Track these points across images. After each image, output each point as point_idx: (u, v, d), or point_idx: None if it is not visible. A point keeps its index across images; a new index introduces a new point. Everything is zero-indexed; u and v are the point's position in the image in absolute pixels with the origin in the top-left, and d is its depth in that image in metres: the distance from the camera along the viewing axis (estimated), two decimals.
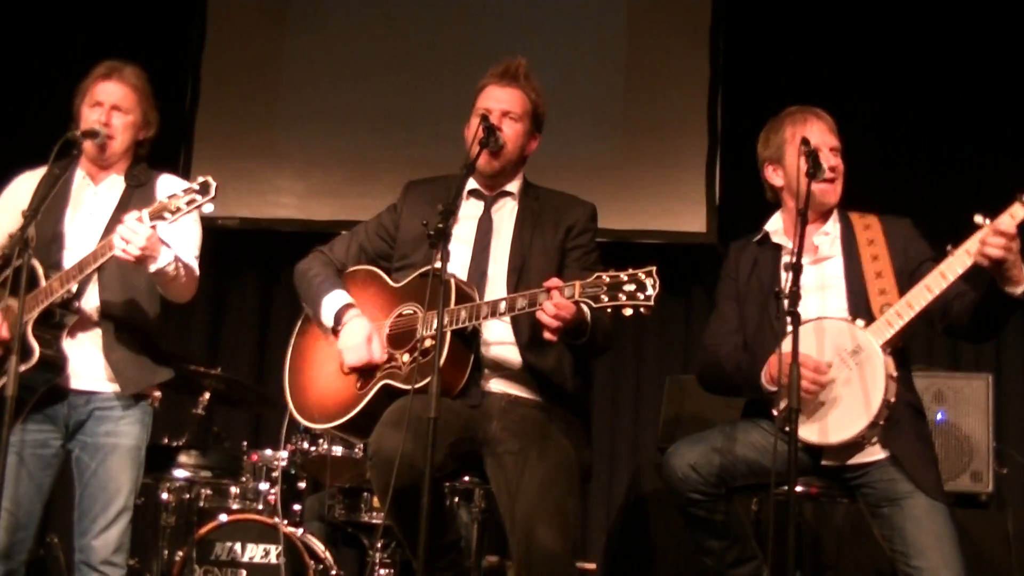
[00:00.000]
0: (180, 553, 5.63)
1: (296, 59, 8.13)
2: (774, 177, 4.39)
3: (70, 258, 4.30)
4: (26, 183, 4.48)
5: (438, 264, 3.78)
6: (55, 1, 8.18)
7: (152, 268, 4.16)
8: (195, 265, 4.41)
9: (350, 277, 4.40)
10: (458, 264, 4.15)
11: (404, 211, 4.40)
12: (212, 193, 4.05)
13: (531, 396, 4.15)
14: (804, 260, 3.97)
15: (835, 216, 4.35)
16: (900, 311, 4.01)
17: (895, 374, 4.00)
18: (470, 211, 4.32)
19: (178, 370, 6.01)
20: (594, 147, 7.65)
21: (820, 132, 4.27)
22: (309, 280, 4.38)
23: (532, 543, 3.90)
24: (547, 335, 3.86)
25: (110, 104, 4.44)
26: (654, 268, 3.70)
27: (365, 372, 4.14)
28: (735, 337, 4.34)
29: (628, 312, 3.69)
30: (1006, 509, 5.37)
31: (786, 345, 3.82)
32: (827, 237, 4.31)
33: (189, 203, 4.04)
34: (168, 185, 4.48)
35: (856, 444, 4.04)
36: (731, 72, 7.66)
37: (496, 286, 4.18)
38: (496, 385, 4.14)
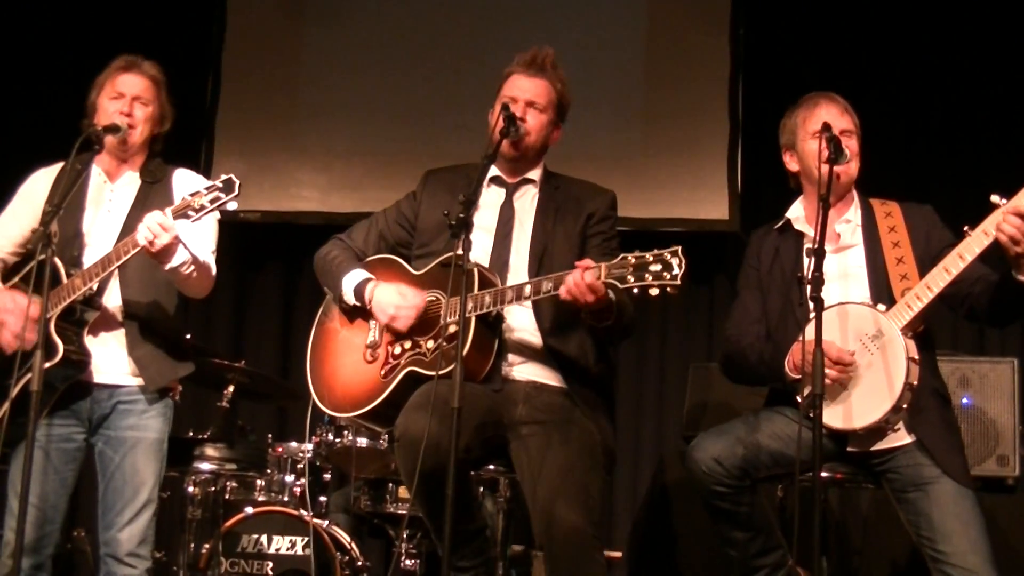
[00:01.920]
0: (206, 546, 5.66)
1: (316, 52, 8.15)
2: (791, 163, 4.39)
3: (89, 255, 4.32)
4: (42, 180, 4.50)
5: (460, 253, 3.77)
6: None
7: (167, 266, 4.17)
8: (211, 261, 4.41)
9: (370, 265, 4.40)
10: (480, 252, 4.15)
11: (424, 199, 4.40)
12: (236, 191, 4.06)
13: (555, 382, 4.15)
14: (826, 248, 3.95)
15: (856, 203, 4.34)
16: (919, 293, 4.00)
17: (916, 357, 3.98)
18: (491, 199, 4.31)
19: (202, 364, 6.06)
20: (615, 136, 7.64)
21: (832, 115, 4.24)
22: (328, 262, 4.39)
23: (553, 519, 3.91)
24: (582, 303, 3.82)
25: (131, 95, 4.45)
26: (679, 248, 3.69)
27: (389, 359, 4.15)
28: (757, 327, 4.33)
29: (655, 292, 3.68)
30: None
31: (809, 332, 3.80)
32: (848, 225, 4.30)
33: (213, 201, 4.05)
34: (184, 179, 4.50)
35: (880, 429, 4.03)
36: (752, 59, 7.65)
37: (518, 274, 4.18)
38: (520, 371, 4.15)
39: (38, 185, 4.49)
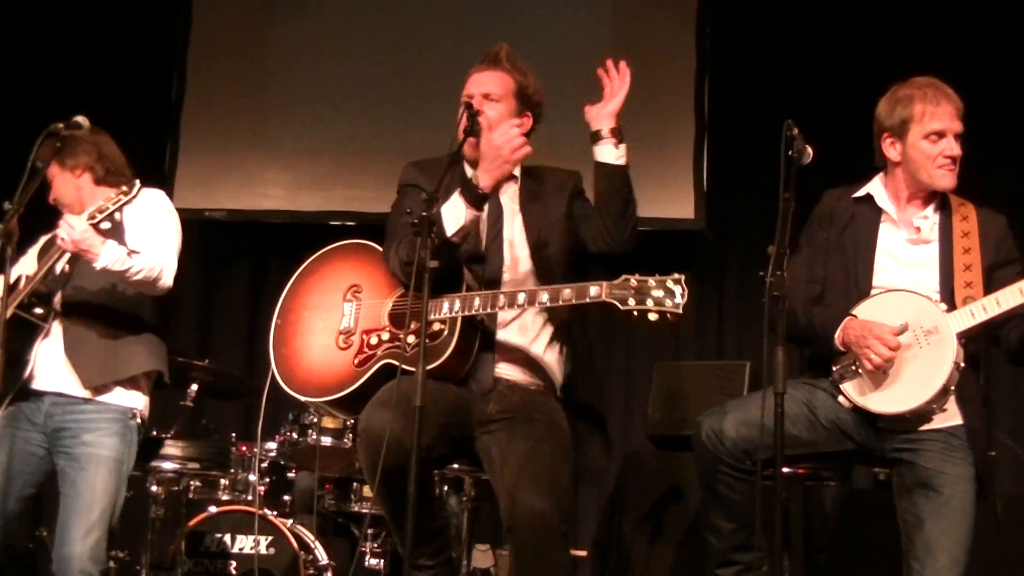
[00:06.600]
0: (170, 545, 5.63)
1: (283, 47, 8.11)
2: (890, 150, 4.28)
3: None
4: None
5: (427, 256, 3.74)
6: None
7: (97, 265, 4.21)
8: (160, 258, 4.39)
9: (354, 249, 4.36)
10: (474, 251, 4.15)
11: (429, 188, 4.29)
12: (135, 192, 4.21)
13: (534, 381, 4.15)
14: (902, 237, 4.16)
15: (936, 201, 4.29)
16: (986, 306, 4.00)
17: (963, 364, 4.00)
18: None
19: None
20: (580, 134, 7.60)
21: (949, 117, 4.19)
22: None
23: (517, 504, 3.88)
24: None
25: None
26: (683, 277, 3.71)
27: (364, 349, 4.12)
28: (812, 287, 4.27)
29: (654, 317, 3.69)
30: (994, 492, 5.37)
31: (865, 311, 4.02)
32: (927, 221, 4.24)
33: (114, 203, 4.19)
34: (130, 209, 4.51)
35: (903, 418, 4.03)
36: (718, 57, 7.66)
37: (518, 268, 4.16)
38: (501, 370, 4.13)
39: None
